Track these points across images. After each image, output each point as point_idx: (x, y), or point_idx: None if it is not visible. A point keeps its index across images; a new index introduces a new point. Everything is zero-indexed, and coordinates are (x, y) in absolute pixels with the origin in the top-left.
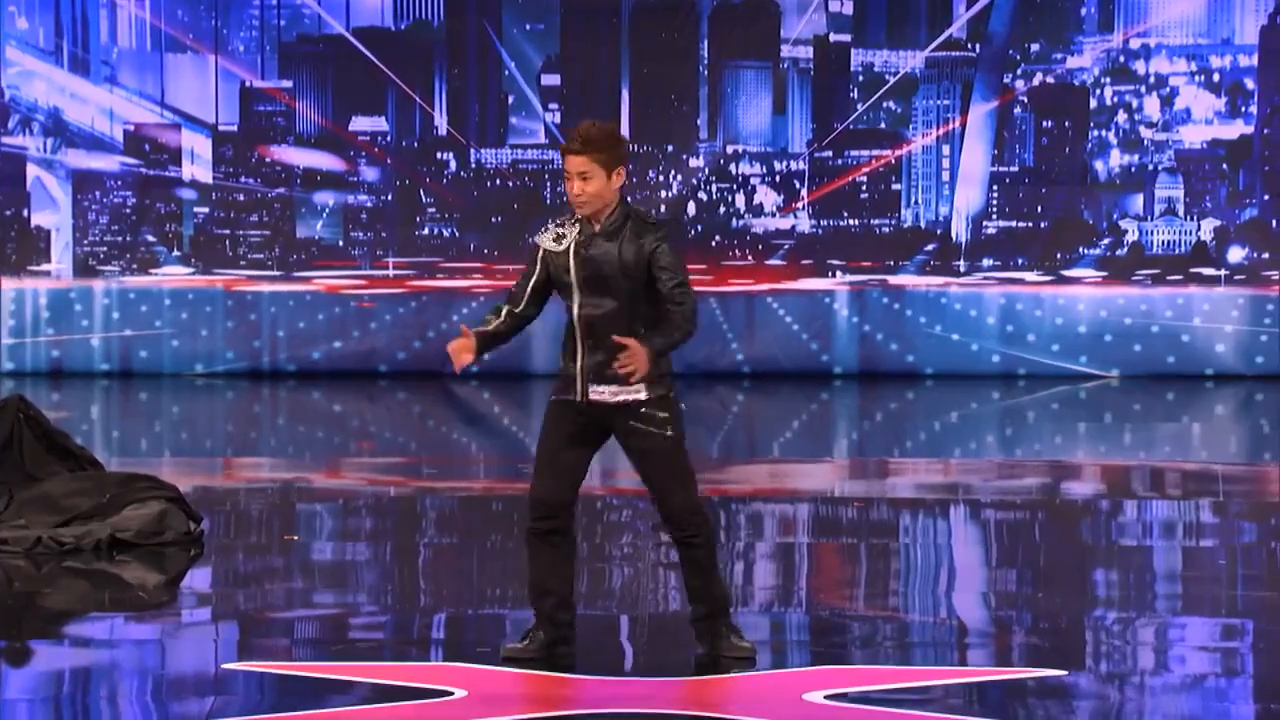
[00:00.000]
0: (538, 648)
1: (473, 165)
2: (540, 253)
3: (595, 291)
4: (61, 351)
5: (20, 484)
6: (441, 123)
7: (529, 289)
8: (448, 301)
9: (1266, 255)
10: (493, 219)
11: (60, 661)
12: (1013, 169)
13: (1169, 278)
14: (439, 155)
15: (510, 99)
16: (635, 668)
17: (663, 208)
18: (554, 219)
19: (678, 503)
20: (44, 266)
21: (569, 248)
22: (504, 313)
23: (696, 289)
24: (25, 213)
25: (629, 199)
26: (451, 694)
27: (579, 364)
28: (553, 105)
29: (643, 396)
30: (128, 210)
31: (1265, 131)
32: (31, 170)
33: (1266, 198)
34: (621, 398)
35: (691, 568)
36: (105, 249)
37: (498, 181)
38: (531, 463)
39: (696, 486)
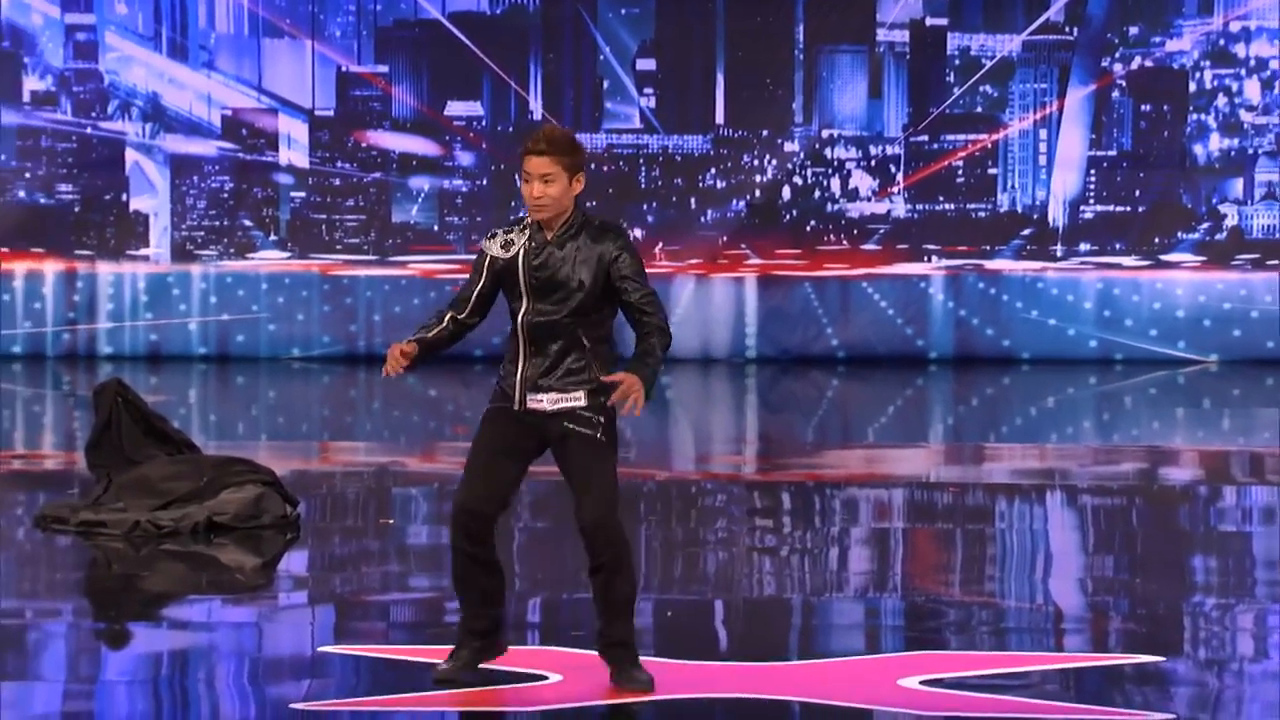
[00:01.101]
0: (463, 665)
1: None
2: (487, 260)
3: (543, 298)
4: (159, 335)
5: (119, 467)
6: (536, 107)
7: (474, 296)
8: None
9: None
10: (587, 203)
11: (158, 644)
12: (1110, 153)
13: (1269, 262)
14: None
15: (605, 84)
16: (729, 652)
17: (757, 192)
18: (503, 226)
19: (589, 513)
20: (142, 251)
21: (517, 254)
22: (446, 319)
23: (793, 274)
24: (124, 197)
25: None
26: (546, 677)
27: (519, 372)
28: (647, 90)
29: (581, 404)
30: (225, 195)
31: None
32: (130, 155)
33: None
34: (560, 405)
35: (606, 600)
36: (203, 233)
37: (592, 166)
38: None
39: (618, 506)
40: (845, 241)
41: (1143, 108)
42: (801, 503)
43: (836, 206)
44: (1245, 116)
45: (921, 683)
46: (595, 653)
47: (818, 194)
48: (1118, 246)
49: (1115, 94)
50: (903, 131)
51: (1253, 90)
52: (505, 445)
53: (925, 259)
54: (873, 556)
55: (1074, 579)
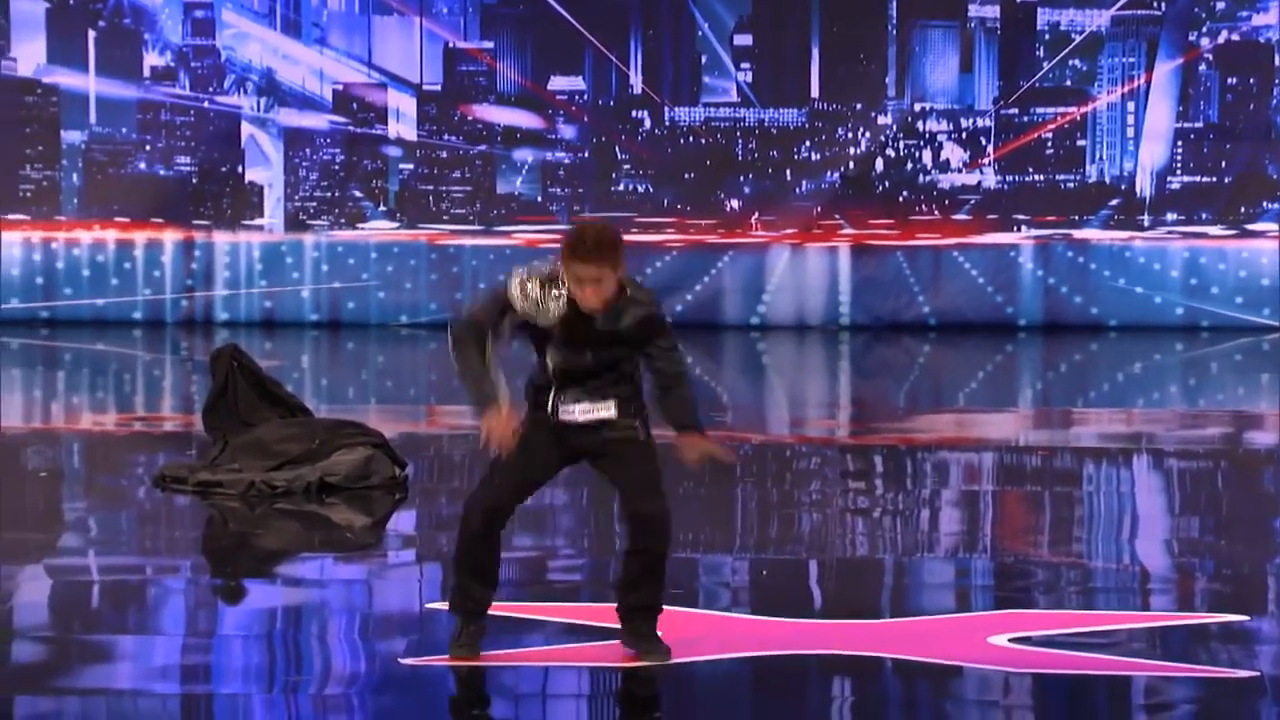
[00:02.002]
0: (473, 641)
1: (666, 123)
2: (511, 311)
3: (578, 353)
4: (273, 302)
5: (234, 430)
6: (637, 82)
7: (509, 327)
8: (642, 255)
9: None
10: (685, 175)
11: (272, 599)
12: (1197, 125)
13: None
14: (634, 114)
15: (703, 59)
16: (823, 610)
17: (851, 164)
18: (528, 273)
19: (649, 505)
20: (257, 221)
21: (558, 318)
22: (488, 352)
23: (886, 243)
24: (240, 169)
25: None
26: None
27: (550, 403)
28: (745, 65)
29: (612, 415)
30: (336, 167)
31: None
32: (246, 129)
33: None
34: (590, 416)
35: (645, 573)
36: (315, 204)
37: (690, 139)
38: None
39: (667, 498)
40: (937, 212)
41: (1229, 81)
42: (894, 466)
43: (928, 178)
44: None
45: (1010, 640)
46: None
47: (910, 165)
48: (1204, 216)
49: (1202, 67)
50: (993, 105)
51: None
52: (535, 459)
53: (1015, 229)
54: (963, 518)
55: (1160, 540)
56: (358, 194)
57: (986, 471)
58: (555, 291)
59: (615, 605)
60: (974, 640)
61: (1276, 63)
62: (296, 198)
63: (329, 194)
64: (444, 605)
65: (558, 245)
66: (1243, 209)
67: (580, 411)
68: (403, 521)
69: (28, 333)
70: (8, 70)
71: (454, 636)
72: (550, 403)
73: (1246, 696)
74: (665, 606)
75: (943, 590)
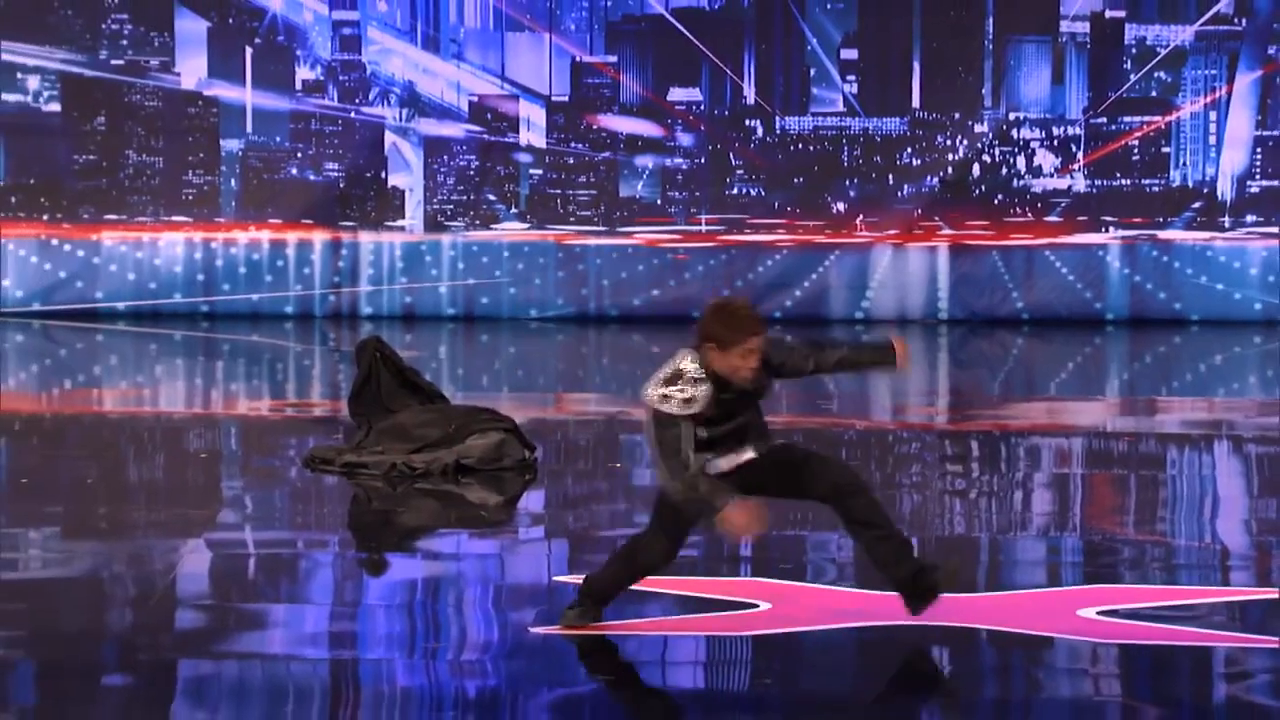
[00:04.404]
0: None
1: (777, 131)
2: (681, 420)
3: (727, 419)
4: (413, 298)
5: (378, 415)
6: (750, 93)
7: (695, 440)
8: (754, 254)
9: None
10: (795, 180)
11: (413, 572)
12: (1276, 133)
13: None
14: (747, 122)
15: (812, 71)
16: None
17: (950, 169)
18: (663, 389)
19: (839, 474)
20: (399, 222)
21: (709, 401)
22: (695, 464)
23: (982, 243)
24: (383, 175)
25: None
26: (757, 605)
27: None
28: (850, 77)
29: (753, 455)
30: (471, 172)
31: None
32: (389, 137)
33: None
34: (736, 462)
35: (889, 538)
36: (452, 207)
37: (799, 146)
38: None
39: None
40: (1029, 214)
41: None
42: (988, 450)
43: (1022, 182)
44: None
45: (1098, 613)
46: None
47: (1005, 171)
48: None
49: None
50: (1083, 114)
51: None
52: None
53: (1103, 229)
54: (1053, 499)
55: (1239, 520)
56: (491, 197)
57: (1076, 456)
58: (695, 382)
59: (890, 585)
60: (1064, 613)
61: None
62: (435, 201)
63: (465, 197)
64: (569, 578)
65: (676, 245)
66: None
67: (726, 464)
68: (532, 501)
69: (189, 325)
70: (172, 84)
71: (574, 607)
72: (719, 457)
73: None
74: (774, 580)
75: (1034, 567)
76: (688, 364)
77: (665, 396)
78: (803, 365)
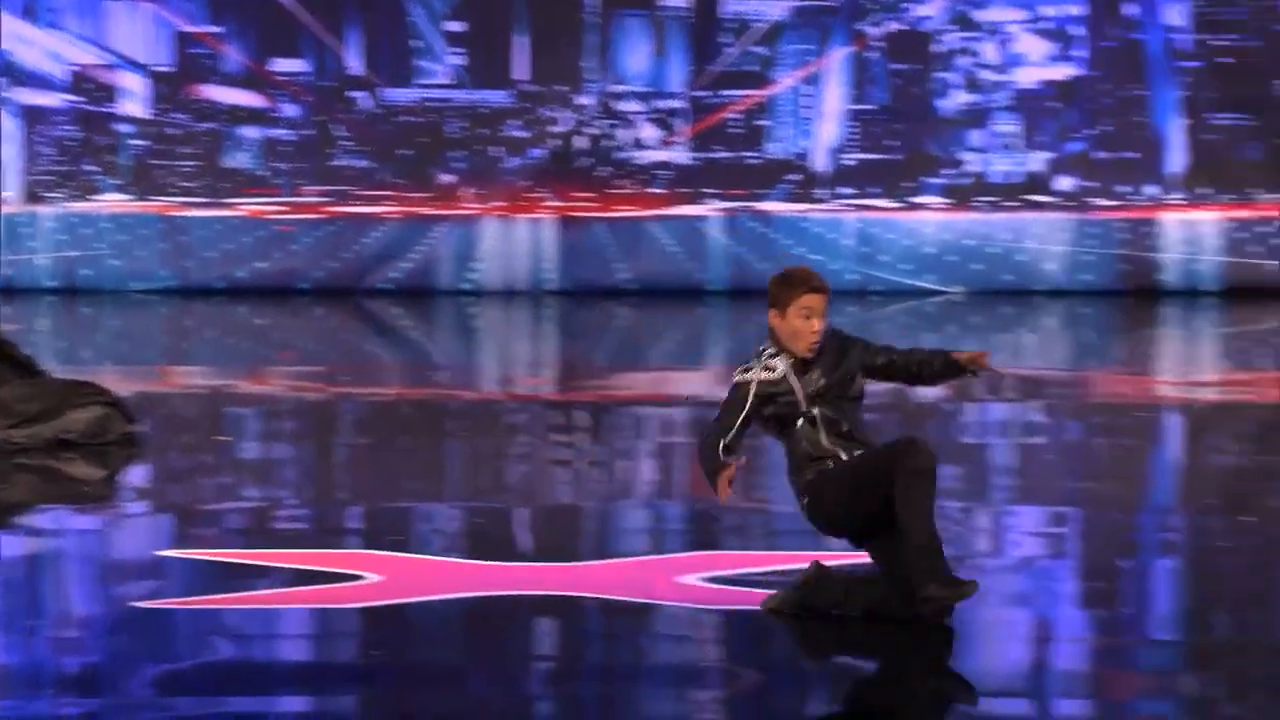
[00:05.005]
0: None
1: (383, 103)
2: (752, 389)
3: (826, 402)
4: (13, 271)
5: None
6: (354, 64)
7: (736, 426)
8: (360, 226)
9: (1092, 184)
10: (399, 152)
11: (14, 549)
12: (868, 107)
13: (1005, 204)
14: (351, 94)
15: (416, 43)
16: (529, 554)
17: (554, 142)
18: (749, 372)
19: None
20: None
21: (792, 376)
22: (723, 449)
23: (587, 215)
24: None
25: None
26: (365, 578)
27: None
28: (456, 49)
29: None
30: (71, 143)
31: (1091, 73)
32: None
33: (1091, 132)
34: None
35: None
36: (51, 178)
37: (405, 118)
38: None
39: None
40: (634, 186)
41: (895, 67)
42: (594, 420)
43: (626, 154)
44: (985, 75)
45: (701, 579)
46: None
47: (609, 143)
48: (874, 190)
49: (872, 54)
50: (684, 87)
51: (992, 52)
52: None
53: (704, 201)
54: (658, 468)
55: None
56: (92, 168)
57: (680, 424)
58: (769, 359)
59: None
60: (666, 580)
61: (937, 50)
62: (34, 171)
63: (65, 168)
64: (174, 553)
65: (281, 217)
66: (908, 184)
67: (844, 450)
68: (135, 475)
69: None
70: None
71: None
72: (832, 449)
73: (916, 627)
74: (382, 553)
75: (638, 534)
76: (764, 345)
77: (746, 369)
78: (876, 355)
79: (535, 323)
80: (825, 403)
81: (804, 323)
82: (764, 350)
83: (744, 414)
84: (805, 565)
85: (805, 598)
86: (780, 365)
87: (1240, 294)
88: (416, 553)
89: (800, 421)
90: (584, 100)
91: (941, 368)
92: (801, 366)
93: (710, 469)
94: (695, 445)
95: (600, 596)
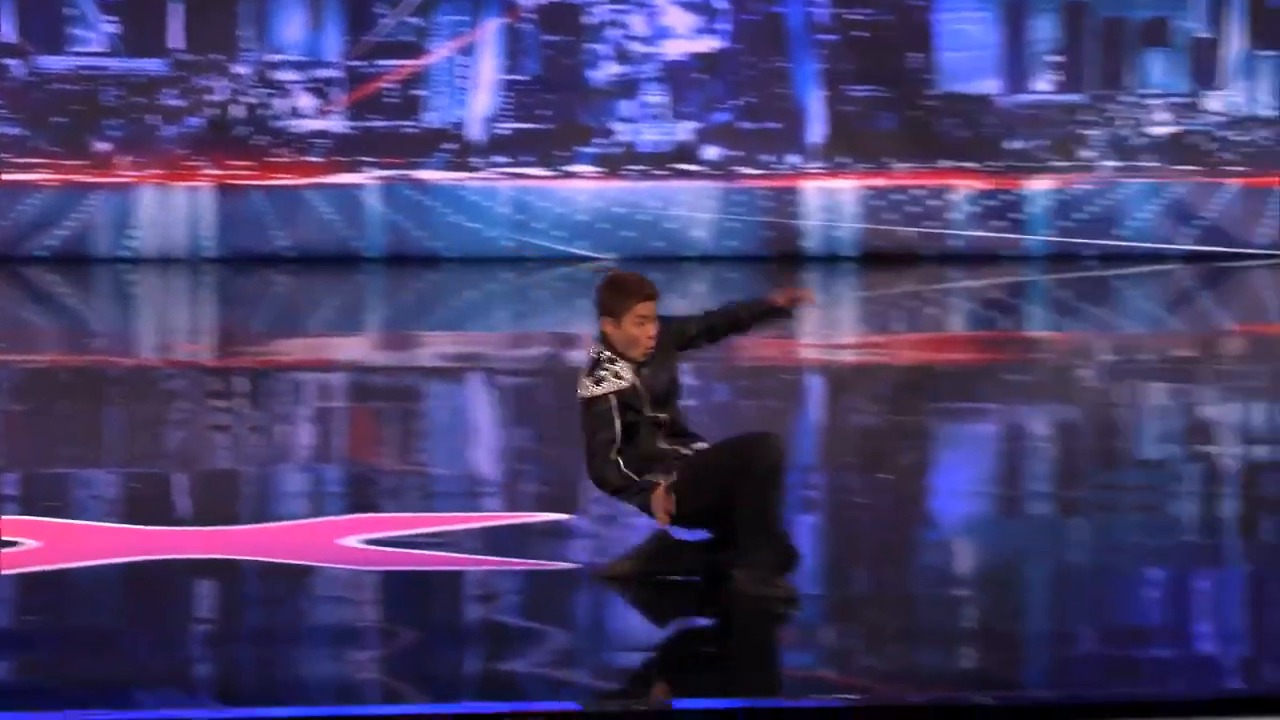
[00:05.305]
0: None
1: (35, 71)
2: (614, 399)
3: (661, 397)
4: None
5: None
6: (6, 32)
7: (618, 437)
8: (14, 194)
9: (737, 153)
10: (54, 119)
11: None
12: (521, 77)
13: (655, 173)
14: (4, 61)
15: (70, 11)
16: (189, 518)
17: (211, 111)
18: (591, 375)
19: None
20: None
21: (633, 379)
22: (622, 465)
23: (246, 183)
24: None
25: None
26: (23, 544)
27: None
28: (111, 17)
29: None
30: None
31: (734, 45)
32: None
33: (735, 103)
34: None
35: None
36: None
37: (59, 85)
38: None
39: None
40: (291, 154)
41: (547, 38)
42: (254, 386)
43: (283, 123)
44: (634, 46)
45: (360, 542)
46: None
47: (266, 112)
48: (528, 159)
49: (525, 26)
50: (340, 57)
51: (640, 24)
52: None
53: (362, 170)
54: (317, 432)
55: (492, 449)
56: None
57: (338, 390)
58: (612, 366)
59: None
60: (325, 542)
61: (589, 22)
62: None
63: None
64: None
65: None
66: (562, 152)
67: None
68: None
69: None
70: None
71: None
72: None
73: (567, 586)
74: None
75: (298, 498)
76: (598, 350)
77: (597, 381)
78: (688, 327)
79: (194, 290)
80: (661, 403)
81: (639, 329)
82: (601, 357)
83: (618, 426)
84: (459, 527)
85: (643, 565)
86: (626, 373)
87: (877, 259)
88: (75, 518)
89: (643, 428)
90: (240, 69)
91: (763, 312)
92: (639, 370)
93: (637, 498)
94: (595, 481)
95: (260, 559)
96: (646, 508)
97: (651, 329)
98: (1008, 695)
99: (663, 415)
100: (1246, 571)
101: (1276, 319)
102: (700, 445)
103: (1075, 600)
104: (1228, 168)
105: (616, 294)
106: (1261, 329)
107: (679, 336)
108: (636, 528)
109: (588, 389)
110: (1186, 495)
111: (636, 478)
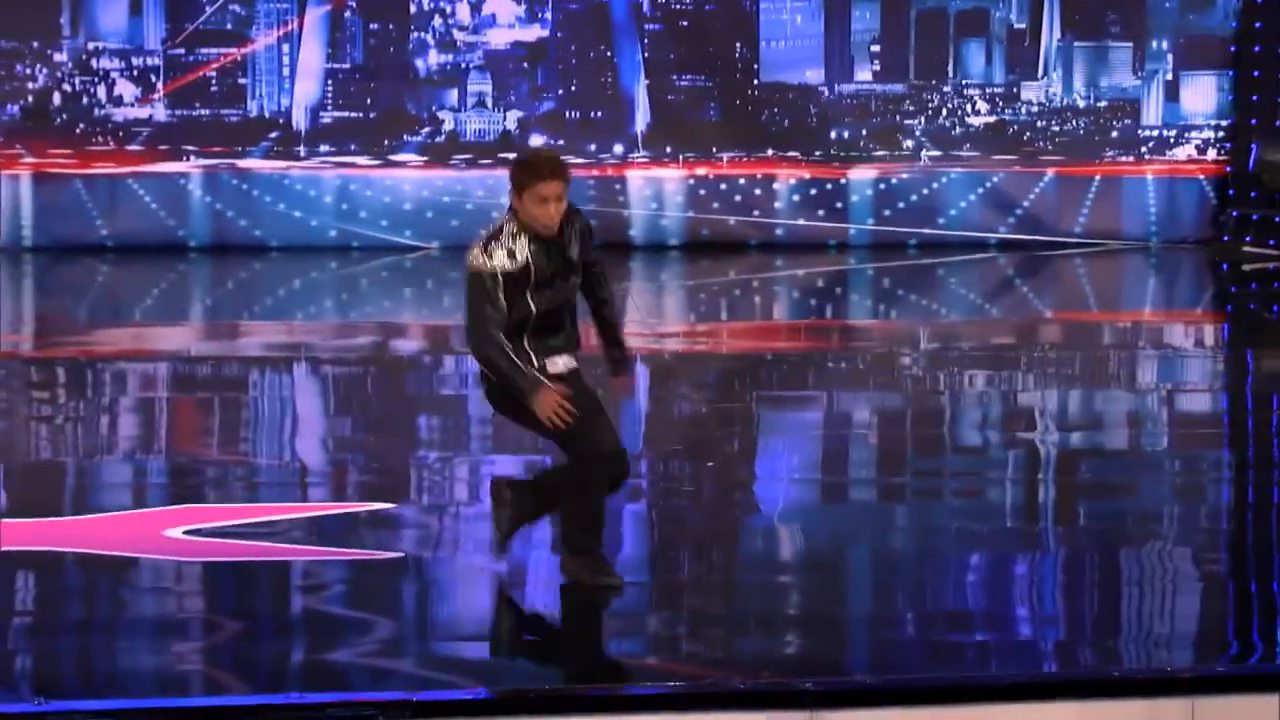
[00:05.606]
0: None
1: None
2: (500, 276)
3: (553, 285)
4: None
5: None
6: None
7: (500, 312)
8: None
9: (562, 142)
10: None
11: None
12: (345, 65)
13: (480, 161)
14: None
15: None
16: (10, 510)
17: (30, 99)
18: (483, 245)
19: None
20: None
21: (528, 259)
22: (510, 347)
23: (66, 172)
24: None
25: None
26: None
27: (536, 361)
28: None
29: (576, 366)
30: None
31: (559, 35)
32: None
33: (560, 92)
34: (566, 368)
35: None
36: None
37: None
38: None
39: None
40: (112, 143)
41: (371, 26)
42: (75, 377)
43: (103, 111)
44: (459, 35)
45: (185, 533)
46: None
47: (85, 100)
48: (353, 147)
49: (348, 14)
50: (161, 45)
51: (464, 12)
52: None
53: (185, 159)
54: (140, 423)
55: (318, 439)
56: None
57: (162, 380)
58: (514, 236)
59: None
60: (150, 533)
61: (412, 10)
62: None
63: None
64: None
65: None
66: (387, 141)
67: (563, 364)
68: None
69: None
70: None
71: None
72: (536, 361)
73: (392, 574)
74: None
75: (121, 489)
76: (504, 220)
77: (489, 254)
78: (594, 259)
79: (13, 280)
80: (552, 290)
81: (539, 208)
82: (504, 229)
83: (502, 302)
84: (284, 516)
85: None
86: (522, 251)
87: (701, 248)
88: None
89: (515, 311)
90: (60, 57)
91: (606, 334)
92: (543, 247)
93: (515, 383)
94: (472, 350)
95: (82, 551)
96: (524, 396)
97: (554, 210)
98: (831, 680)
99: (543, 306)
100: (1064, 556)
101: (1092, 306)
102: (563, 359)
103: (897, 585)
104: (1044, 157)
105: (523, 169)
106: (1077, 316)
107: (587, 250)
108: (464, 517)
109: (477, 259)
110: (1005, 481)
111: (521, 364)
